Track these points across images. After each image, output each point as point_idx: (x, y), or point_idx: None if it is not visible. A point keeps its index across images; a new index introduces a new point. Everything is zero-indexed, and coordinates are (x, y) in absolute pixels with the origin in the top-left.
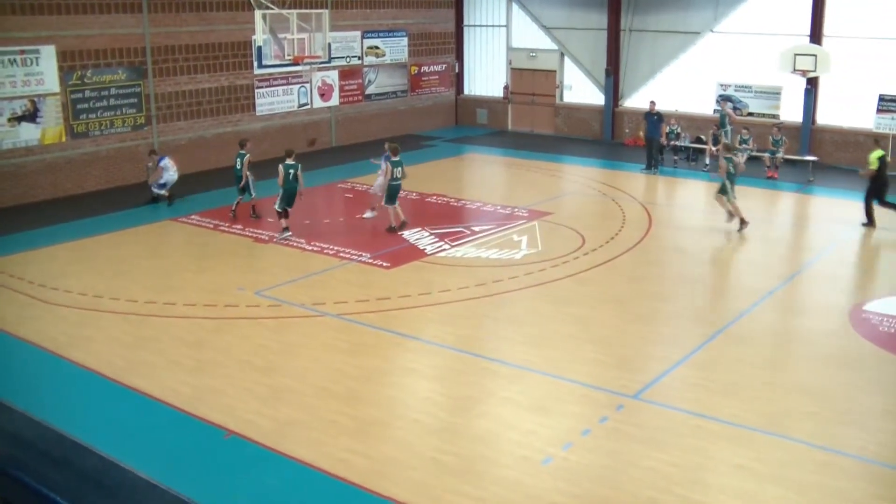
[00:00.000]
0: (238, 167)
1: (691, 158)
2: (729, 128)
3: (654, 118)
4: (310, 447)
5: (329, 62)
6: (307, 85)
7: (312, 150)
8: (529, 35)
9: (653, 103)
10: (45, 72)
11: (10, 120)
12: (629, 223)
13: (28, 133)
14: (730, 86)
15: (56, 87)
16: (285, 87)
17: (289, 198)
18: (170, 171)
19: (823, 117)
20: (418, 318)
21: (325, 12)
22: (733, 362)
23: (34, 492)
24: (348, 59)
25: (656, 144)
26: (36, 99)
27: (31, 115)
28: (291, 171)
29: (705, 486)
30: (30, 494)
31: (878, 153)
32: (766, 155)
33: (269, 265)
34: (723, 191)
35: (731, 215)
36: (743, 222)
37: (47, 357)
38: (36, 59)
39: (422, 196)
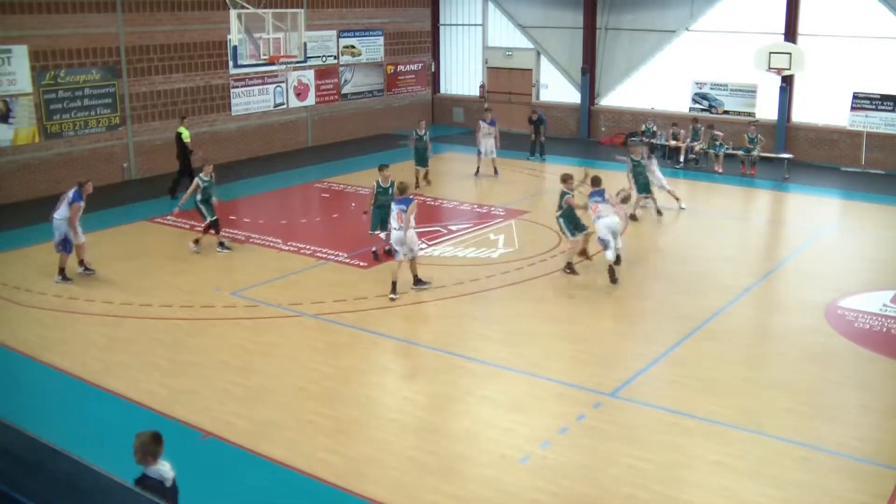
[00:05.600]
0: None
1: (667, 156)
2: (701, 134)
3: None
4: (287, 447)
5: (305, 62)
6: (283, 85)
7: (287, 151)
8: (505, 34)
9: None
10: (17, 71)
11: None
12: None
13: (0, 133)
14: (705, 84)
15: (29, 87)
16: (261, 87)
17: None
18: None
19: (798, 115)
20: (396, 318)
21: (301, 12)
22: (710, 359)
23: (5, 497)
24: (324, 59)
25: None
26: (8, 99)
27: (3, 116)
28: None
29: (683, 482)
30: (1, 500)
31: None
32: (742, 153)
33: (246, 265)
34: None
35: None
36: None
37: (21, 360)
38: (8, 58)
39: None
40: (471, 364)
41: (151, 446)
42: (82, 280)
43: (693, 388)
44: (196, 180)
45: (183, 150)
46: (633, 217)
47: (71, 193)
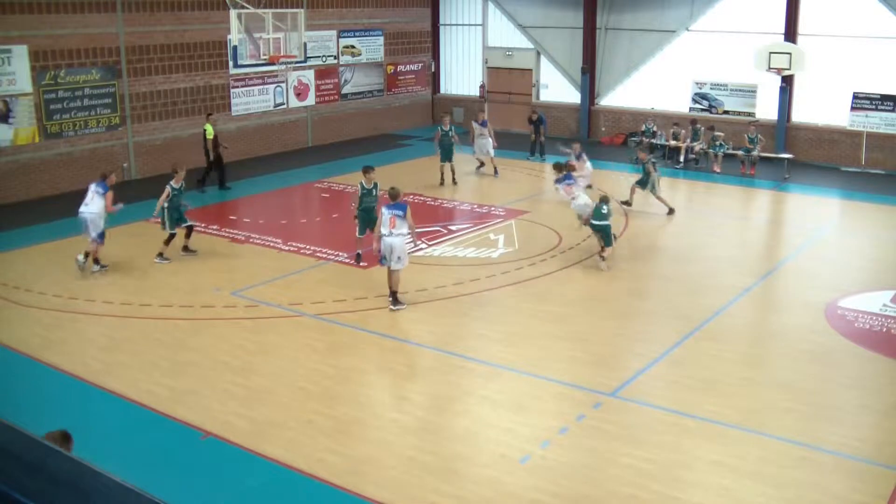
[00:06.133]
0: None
1: (667, 156)
2: (701, 135)
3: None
4: (287, 447)
5: (305, 62)
6: (283, 85)
7: (287, 151)
8: (505, 34)
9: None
10: (18, 72)
11: None
12: None
13: (0, 133)
14: (705, 84)
15: (29, 87)
16: (261, 87)
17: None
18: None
19: (798, 115)
20: (396, 318)
21: (301, 11)
22: (710, 359)
23: (5, 497)
24: (324, 59)
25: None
26: (8, 99)
27: (3, 116)
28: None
29: (683, 482)
30: (1, 500)
31: None
32: (742, 153)
33: (246, 265)
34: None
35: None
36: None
37: (20, 359)
38: (8, 58)
39: None
40: (471, 364)
41: (61, 444)
42: (82, 280)
43: (693, 388)
44: (167, 188)
45: (206, 146)
46: (626, 202)
47: (97, 186)
